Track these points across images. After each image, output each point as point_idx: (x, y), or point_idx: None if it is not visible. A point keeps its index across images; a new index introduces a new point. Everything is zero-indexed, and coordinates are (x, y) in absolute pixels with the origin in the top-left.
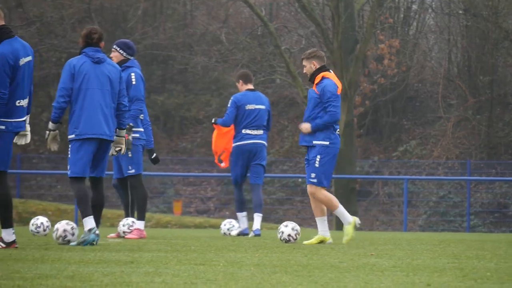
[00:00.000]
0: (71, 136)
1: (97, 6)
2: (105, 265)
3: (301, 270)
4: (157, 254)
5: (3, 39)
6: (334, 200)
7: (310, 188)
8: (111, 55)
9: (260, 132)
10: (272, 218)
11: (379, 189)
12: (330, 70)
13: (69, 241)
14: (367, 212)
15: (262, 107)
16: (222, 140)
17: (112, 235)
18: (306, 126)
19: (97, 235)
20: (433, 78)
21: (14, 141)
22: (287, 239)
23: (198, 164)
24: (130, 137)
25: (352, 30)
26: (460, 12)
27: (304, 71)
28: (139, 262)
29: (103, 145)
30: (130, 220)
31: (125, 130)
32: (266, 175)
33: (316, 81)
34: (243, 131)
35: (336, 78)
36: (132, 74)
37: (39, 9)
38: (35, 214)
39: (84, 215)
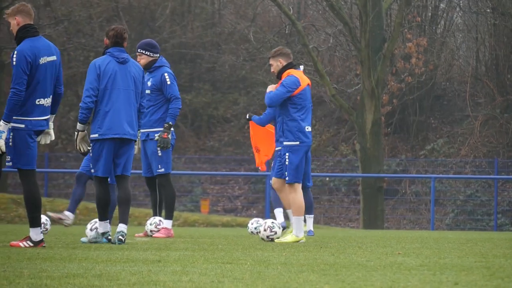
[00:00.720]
0: (94, 136)
1: (125, 4)
2: (132, 264)
3: (328, 269)
4: (184, 253)
5: (26, 37)
6: (303, 206)
7: (287, 187)
8: (138, 60)
9: None
10: None
11: (406, 187)
12: (299, 68)
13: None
14: (394, 211)
15: None
16: (259, 136)
17: (140, 234)
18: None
19: (109, 240)
20: (460, 77)
21: (37, 139)
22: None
23: (226, 163)
24: (169, 136)
25: (379, 29)
26: (488, 10)
27: (272, 70)
28: (167, 261)
29: (125, 143)
30: (157, 219)
31: (139, 131)
32: None
33: (283, 78)
34: None
35: (303, 75)
36: (166, 74)
37: (67, 8)
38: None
39: (100, 218)
